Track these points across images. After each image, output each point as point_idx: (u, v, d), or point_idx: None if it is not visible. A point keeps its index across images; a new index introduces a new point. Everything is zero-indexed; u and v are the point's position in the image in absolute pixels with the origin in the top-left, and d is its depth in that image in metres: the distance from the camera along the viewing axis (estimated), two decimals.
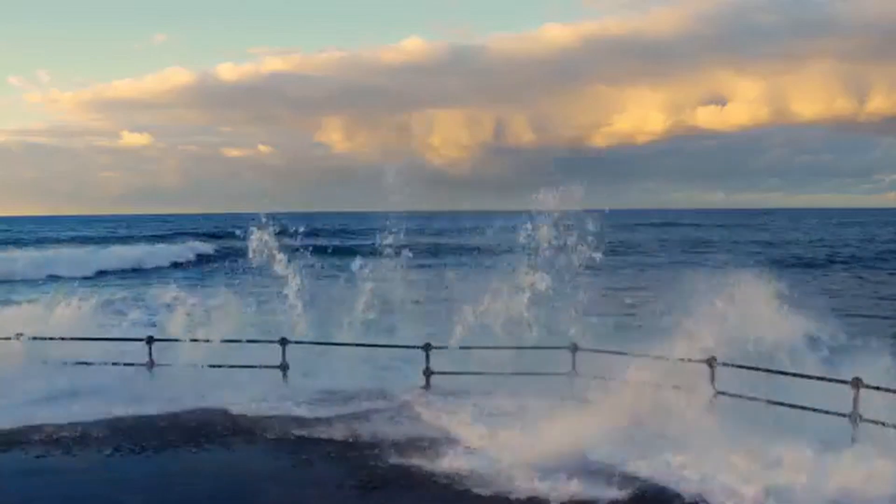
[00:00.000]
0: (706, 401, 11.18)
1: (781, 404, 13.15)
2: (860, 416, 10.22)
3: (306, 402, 13.25)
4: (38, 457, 10.88)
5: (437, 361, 14.02)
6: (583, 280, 14.91)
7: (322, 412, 12.67)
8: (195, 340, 21.49)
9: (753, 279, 12.05)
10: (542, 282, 14.51)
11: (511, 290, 14.68)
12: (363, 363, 14.86)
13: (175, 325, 15.57)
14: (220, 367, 16.81)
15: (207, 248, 58.36)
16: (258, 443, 11.54)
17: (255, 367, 16.30)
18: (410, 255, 16.42)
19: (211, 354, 14.40)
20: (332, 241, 77.43)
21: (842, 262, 54.38)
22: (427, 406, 12.74)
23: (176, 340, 21.07)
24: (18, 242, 67.49)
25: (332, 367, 14.67)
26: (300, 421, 12.38)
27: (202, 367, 14.81)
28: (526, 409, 12.22)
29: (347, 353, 14.88)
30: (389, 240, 16.29)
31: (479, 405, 12.50)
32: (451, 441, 10.94)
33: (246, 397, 13.40)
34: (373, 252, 17.01)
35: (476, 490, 9.18)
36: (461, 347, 14.77)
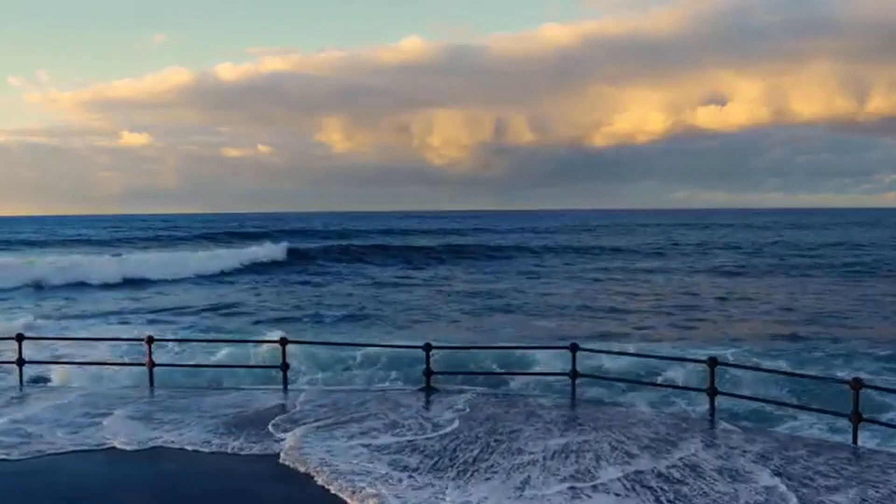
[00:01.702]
0: None
1: (781, 404, 13.21)
2: (861, 416, 10.25)
3: None
4: None
5: None
6: None
7: None
8: (193, 341, 21.71)
9: None
10: None
11: None
12: None
13: None
14: (223, 366, 16.89)
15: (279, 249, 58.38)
16: None
17: (257, 367, 16.38)
18: None
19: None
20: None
21: None
22: None
23: (175, 341, 21.24)
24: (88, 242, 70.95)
25: None
26: None
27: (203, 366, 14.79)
28: None
29: None
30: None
31: None
32: None
33: None
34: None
35: None
36: (460, 347, 14.80)
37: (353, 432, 10.76)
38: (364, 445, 10.12)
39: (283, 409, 12.21)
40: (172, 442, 10.44)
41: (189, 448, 10.21)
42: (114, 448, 10.24)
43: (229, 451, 10.12)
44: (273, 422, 11.33)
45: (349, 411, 11.96)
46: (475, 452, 9.71)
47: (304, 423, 11.21)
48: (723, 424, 11.13)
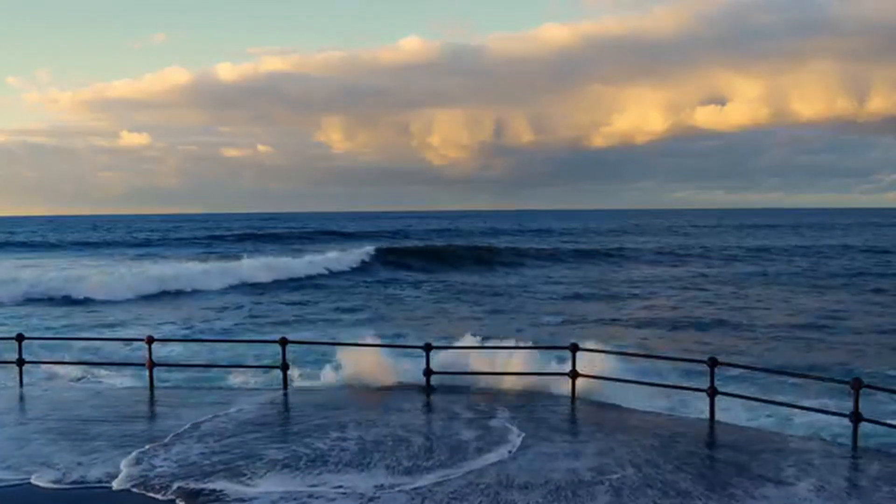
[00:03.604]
0: None
1: (781, 404, 13.18)
2: (860, 416, 10.24)
3: None
4: None
5: None
6: None
7: None
8: (194, 341, 21.71)
9: None
10: None
11: None
12: None
13: None
14: (224, 367, 16.88)
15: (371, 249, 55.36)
16: None
17: (256, 367, 16.38)
18: None
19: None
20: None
21: None
22: None
23: (176, 341, 21.24)
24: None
25: None
26: None
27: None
28: None
29: None
30: None
31: None
32: None
33: None
34: None
35: None
36: (461, 347, 14.78)
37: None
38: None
39: (221, 414, 11.72)
40: None
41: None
42: None
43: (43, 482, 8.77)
44: (167, 438, 10.39)
45: (303, 421, 11.49)
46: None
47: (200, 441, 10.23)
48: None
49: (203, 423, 11.41)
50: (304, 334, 24.08)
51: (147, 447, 10.08)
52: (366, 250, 54.08)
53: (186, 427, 11.11)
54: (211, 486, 8.52)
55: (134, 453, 9.77)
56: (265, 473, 8.92)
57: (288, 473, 8.94)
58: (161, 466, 9.24)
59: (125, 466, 9.25)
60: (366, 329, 20.45)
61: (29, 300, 34.26)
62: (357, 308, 32.99)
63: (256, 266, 44.97)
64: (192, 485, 8.56)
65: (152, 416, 12.27)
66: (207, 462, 9.41)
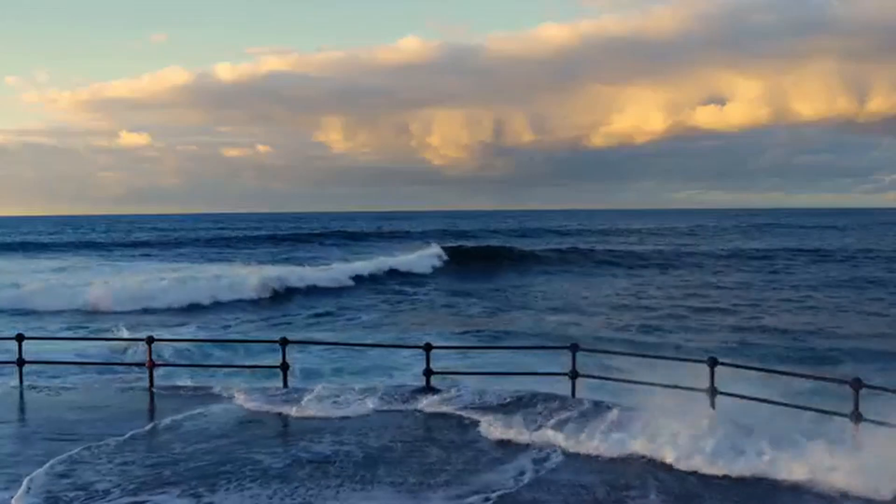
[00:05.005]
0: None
1: (782, 404, 13.17)
2: (860, 416, 10.23)
3: None
4: None
5: None
6: None
7: None
8: (194, 341, 21.70)
9: None
10: None
11: None
12: None
13: None
14: (222, 367, 16.91)
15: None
16: None
17: (256, 367, 16.39)
18: None
19: None
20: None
21: None
22: None
23: (175, 341, 21.22)
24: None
25: None
26: None
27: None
28: None
29: None
30: None
31: None
32: None
33: None
34: None
35: None
36: (461, 347, 14.80)
37: None
38: None
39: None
40: None
41: None
42: None
43: None
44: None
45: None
46: None
47: None
48: None
49: (184, 422, 11.27)
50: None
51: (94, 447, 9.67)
52: (435, 250, 51.53)
53: (162, 426, 10.94)
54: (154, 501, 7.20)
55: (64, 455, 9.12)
56: (234, 488, 7.57)
57: (267, 488, 7.60)
58: (101, 479, 8.32)
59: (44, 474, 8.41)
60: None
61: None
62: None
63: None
64: (129, 499, 7.33)
65: (142, 418, 12.20)
66: (169, 471, 8.62)
